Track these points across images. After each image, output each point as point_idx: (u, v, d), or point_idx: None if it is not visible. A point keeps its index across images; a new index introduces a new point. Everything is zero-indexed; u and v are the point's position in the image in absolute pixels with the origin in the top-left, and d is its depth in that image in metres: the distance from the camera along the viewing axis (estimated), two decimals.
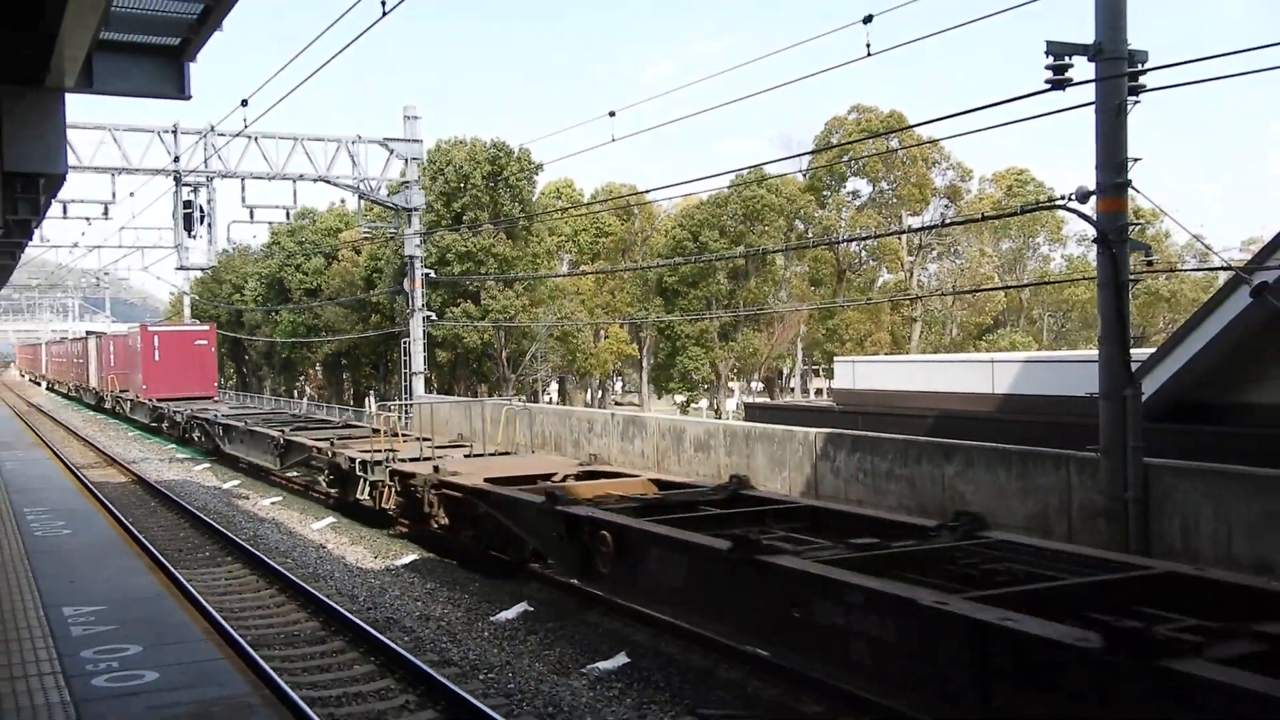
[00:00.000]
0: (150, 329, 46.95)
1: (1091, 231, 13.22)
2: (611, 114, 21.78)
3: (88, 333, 71.12)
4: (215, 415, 35.13)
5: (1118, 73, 12.62)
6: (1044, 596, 7.96)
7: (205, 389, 44.26)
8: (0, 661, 8.04)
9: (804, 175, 59.07)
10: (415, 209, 33.55)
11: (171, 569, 15.18)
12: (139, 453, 36.48)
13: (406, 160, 32.93)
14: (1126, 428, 12.55)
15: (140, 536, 17.17)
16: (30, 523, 14.94)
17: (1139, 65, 12.78)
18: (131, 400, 47.57)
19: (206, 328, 48.34)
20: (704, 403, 61.87)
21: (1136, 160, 12.79)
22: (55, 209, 27.13)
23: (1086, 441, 13.12)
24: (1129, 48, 12.72)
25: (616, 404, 68.37)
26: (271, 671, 10.63)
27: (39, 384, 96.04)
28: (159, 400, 42.44)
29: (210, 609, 13.12)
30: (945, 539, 10.12)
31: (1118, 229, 12.88)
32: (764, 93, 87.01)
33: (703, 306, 55.14)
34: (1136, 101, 12.82)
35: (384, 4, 12.58)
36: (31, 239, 27.68)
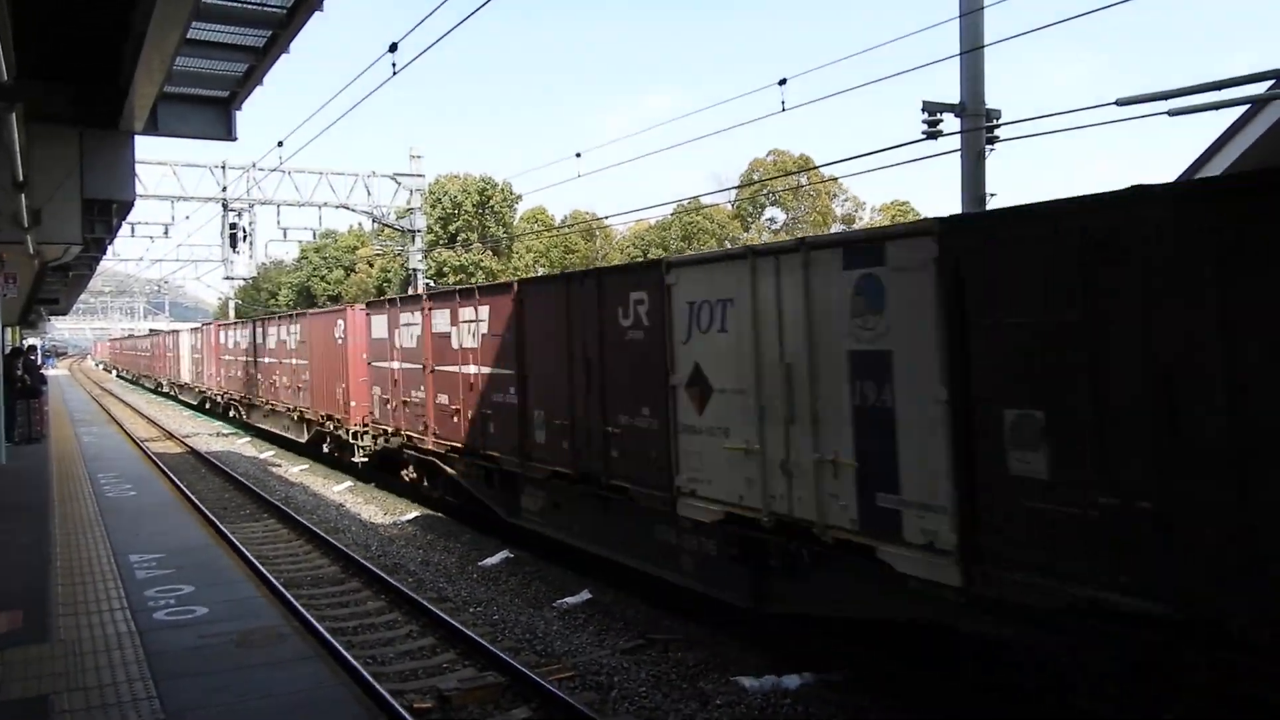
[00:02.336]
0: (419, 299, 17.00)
1: None
2: (578, 155, 21.88)
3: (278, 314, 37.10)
4: None
5: (977, 126, 12.80)
6: None
7: None
8: (80, 599, 7.94)
9: (732, 205, 59.29)
10: (418, 230, 33.42)
11: (218, 524, 14.99)
12: (191, 428, 35.95)
13: (411, 191, 32.75)
14: None
15: (192, 497, 16.96)
16: (103, 485, 14.72)
17: (994, 121, 12.98)
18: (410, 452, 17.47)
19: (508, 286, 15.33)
20: None
21: (993, 195, 13.00)
22: (125, 229, 26.71)
23: None
24: (987, 107, 12.91)
25: None
26: (300, 607, 10.54)
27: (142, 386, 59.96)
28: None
29: (250, 556, 12.96)
30: None
31: None
32: (700, 139, 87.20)
33: None
34: (993, 149, 13.01)
35: (394, 65, 12.48)
36: (105, 253, 27.24)
